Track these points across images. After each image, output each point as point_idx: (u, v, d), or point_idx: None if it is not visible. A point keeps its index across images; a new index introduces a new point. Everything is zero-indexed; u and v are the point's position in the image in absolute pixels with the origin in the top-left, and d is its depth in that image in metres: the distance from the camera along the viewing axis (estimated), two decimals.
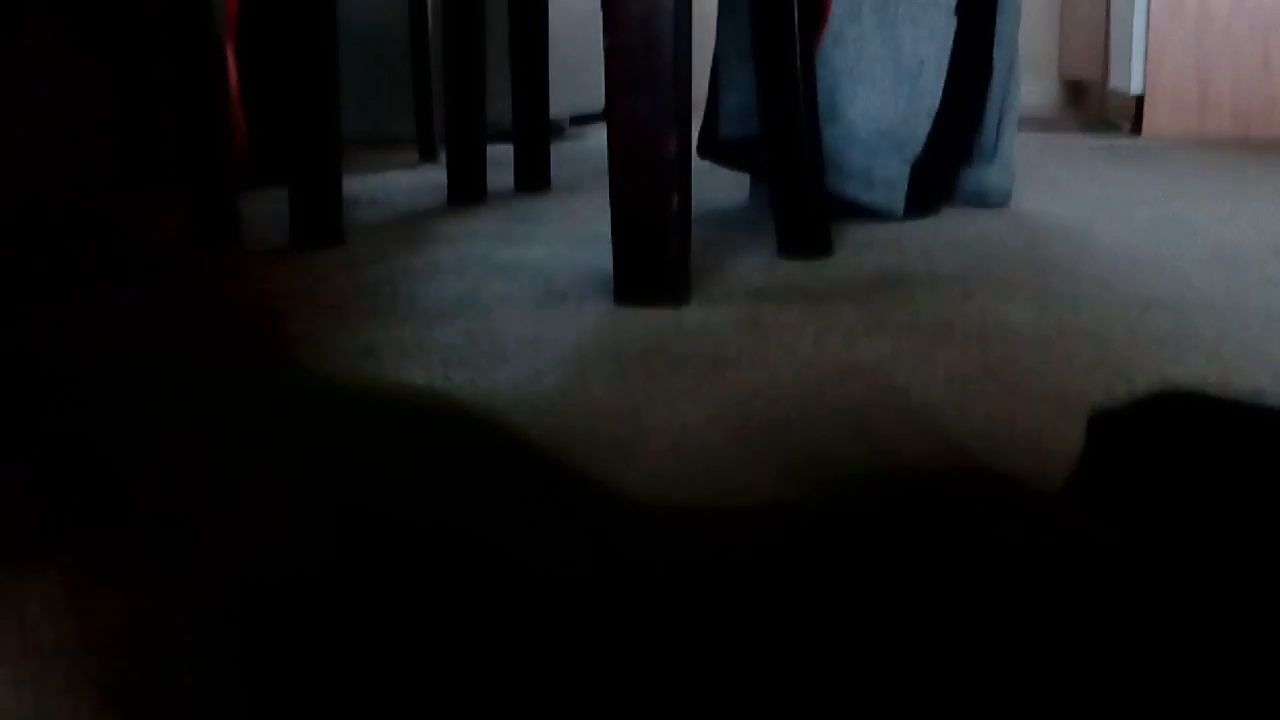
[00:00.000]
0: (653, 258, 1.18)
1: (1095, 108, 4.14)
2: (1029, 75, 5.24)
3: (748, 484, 0.69)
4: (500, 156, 2.67)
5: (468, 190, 2.02)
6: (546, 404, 0.85)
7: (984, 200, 1.84)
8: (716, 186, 2.15)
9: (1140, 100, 3.23)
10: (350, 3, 3.34)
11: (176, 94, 1.60)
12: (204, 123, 1.58)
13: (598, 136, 3.54)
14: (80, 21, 2.10)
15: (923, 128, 1.71)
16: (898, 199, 1.70)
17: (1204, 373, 0.90)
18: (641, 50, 1.14)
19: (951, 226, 1.65)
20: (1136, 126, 3.26)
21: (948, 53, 1.70)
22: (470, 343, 1.04)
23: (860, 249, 1.48)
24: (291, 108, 1.53)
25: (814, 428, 0.78)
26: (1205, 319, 1.08)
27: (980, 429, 0.78)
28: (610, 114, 1.17)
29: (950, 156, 1.80)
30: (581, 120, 4.05)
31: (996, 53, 1.79)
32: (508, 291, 1.26)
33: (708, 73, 2.04)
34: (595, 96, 3.58)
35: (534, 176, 2.20)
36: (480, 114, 2.06)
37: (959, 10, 1.71)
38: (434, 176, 2.41)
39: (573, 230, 1.67)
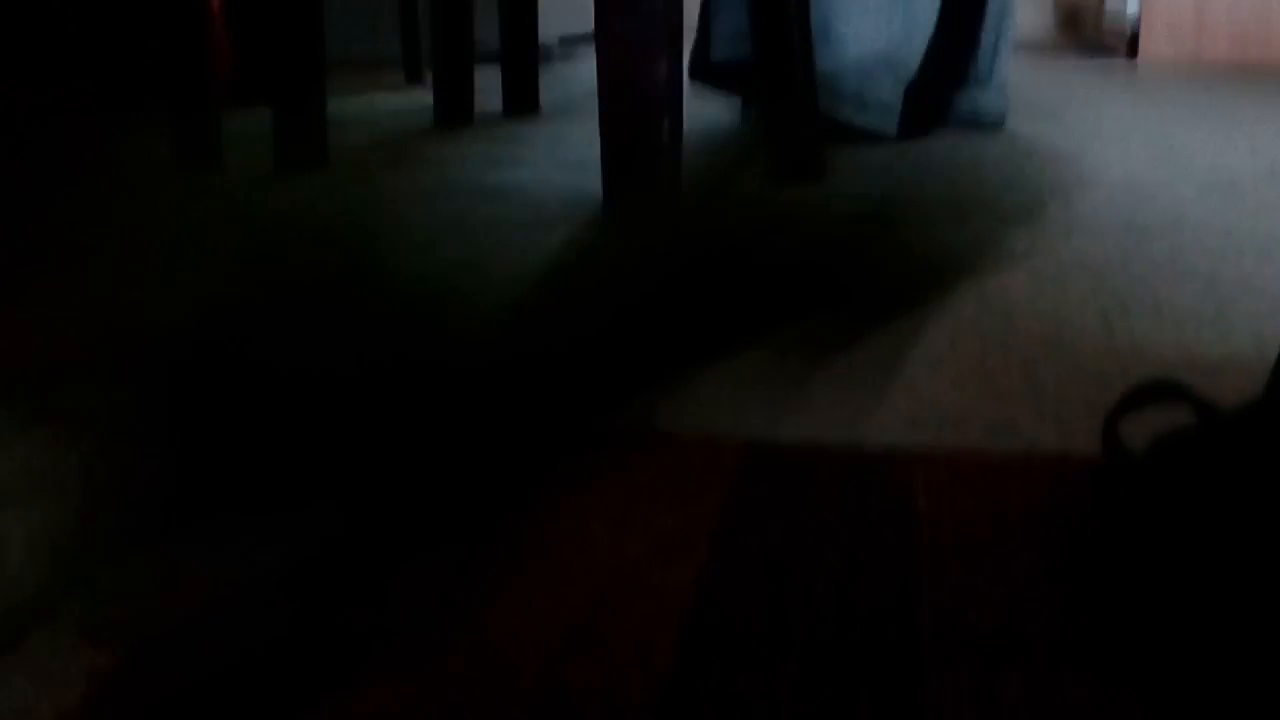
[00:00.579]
0: (643, 183, 1.16)
1: (1091, 32, 4.09)
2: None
3: (737, 415, 0.68)
4: (488, 79, 2.63)
5: (454, 113, 1.99)
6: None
7: (979, 123, 1.82)
8: (708, 109, 2.12)
9: (1136, 24, 3.19)
10: None
11: (158, 11, 1.56)
12: (186, 42, 1.55)
13: (587, 59, 3.48)
14: None
15: (917, 50, 1.68)
16: (891, 121, 1.67)
17: (1200, 301, 0.89)
18: None
19: (946, 149, 1.63)
20: (1133, 51, 3.22)
21: None
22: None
23: (853, 173, 1.46)
24: (274, 28, 1.50)
25: (805, 354, 0.78)
26: (1200, 247, 1.07)
27: (973, 355, 0.77)
28: (599, 36, 1.14)
29: (945, 79, 1.77)
30: (571, 42, 3.99)
31: None
32: (495, 215, 1.24)
33: None
34: (585, 18, 3.53)
35: (522, 99, 2.17)
36: (467, 35, 2.02)
37: None
38: (420, 99, 2.37)
39: (561, 154, 1.65)
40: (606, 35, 1.14)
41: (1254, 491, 0.41)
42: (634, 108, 1.14)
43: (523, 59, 2.15)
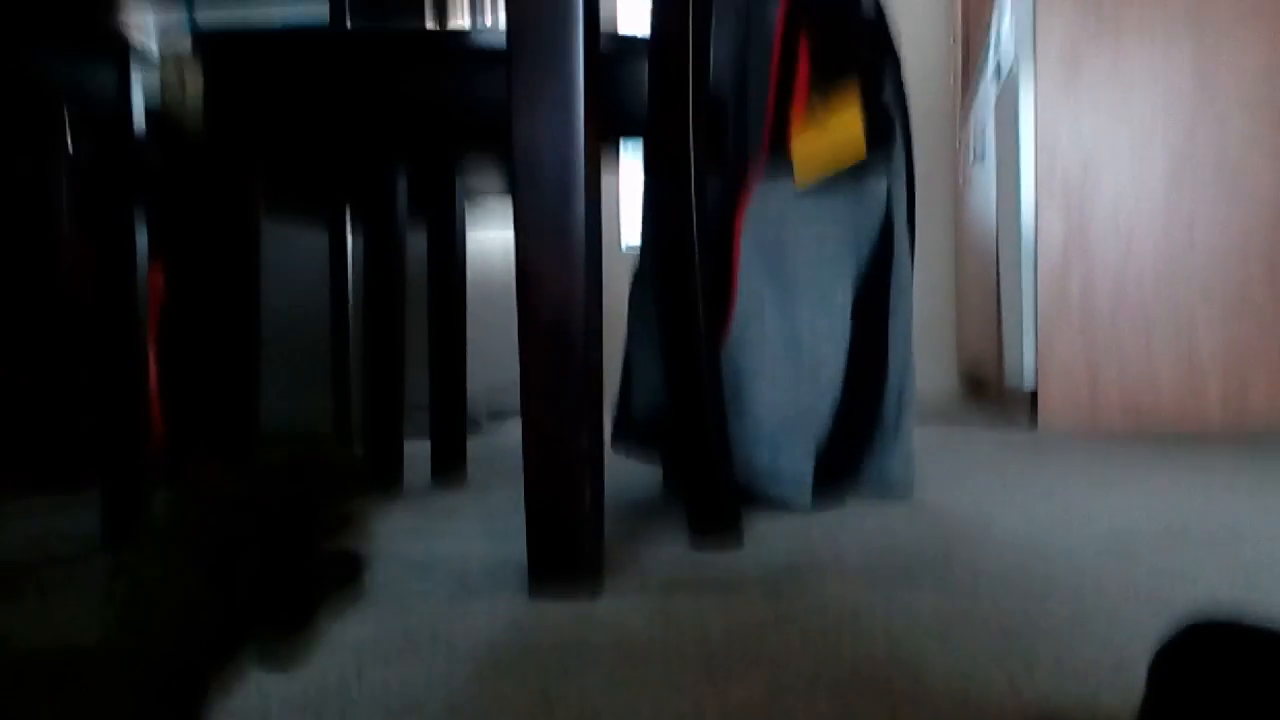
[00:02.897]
0: (566, 551, 1.20)
1: (993, 401, 4.31)
2: (930, 372, 5.47)
3: None
4: (419, 451, 2.70)
5: (383, 482, 2.04)
6: (460, 699, 0.85)
7: (887, 491, 1.90)
8: (631, 479, 2.19)
9: (1034, 395, 3.38)
10: (270, 294, 3.43)
11: (96, 390, 1.62)
12: (123, 424, 1.60)
13: (514, 430, 3.60)
14: None
15: (825, 423, 1.78)
16: (805, 492, 1.75)
17: (1099, 659, 0.93)
18: (554, 354, 1.20)
19: (856, 517, 1.69)
20: (1033, 420, 3.39)
21: (845, 353, 1.80)
22: (383, 637, 1.04)
23: (770, 540, 1.51)
24: (209, 404, 1.56)
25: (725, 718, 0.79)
26: (1100, 608, 1.12)
27: (884, 717, 0.79)
28: (525, 413, 1.21)
29: (852, 450, 1.86)
30: (497, 416, 4.12)
31: (891, 353, 1.89)
32: (422, 588, 1.27)
33: (618, 369, 2.12)
34: (513, 393, 3.66)
35: (450, 471, 2.23)
36: (399, 408, 2.11)
37: (854, 314, 1.82)
38: None
39: (488, 524, 1.69)
40: (530, 411, 1.21)
41: None
42: (556, 481, 1.20)
43: (451, 431, 2.22)
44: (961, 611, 1.11)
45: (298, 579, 0.43)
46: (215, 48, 1.57)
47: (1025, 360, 3.36)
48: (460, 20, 3.55)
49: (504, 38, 1.37)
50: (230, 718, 0.80)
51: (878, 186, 1.85)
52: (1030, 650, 0.96)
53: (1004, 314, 3.65)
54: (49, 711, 0.35)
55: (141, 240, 1.66)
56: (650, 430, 1.84)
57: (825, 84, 1.83)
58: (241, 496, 0.43)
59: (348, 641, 1.03)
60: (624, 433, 1.90)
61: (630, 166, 5.96)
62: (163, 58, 1.59)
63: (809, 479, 1.75)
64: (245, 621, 0.42)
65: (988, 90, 4.13)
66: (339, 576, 0.45)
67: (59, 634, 1.09)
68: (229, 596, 0.41)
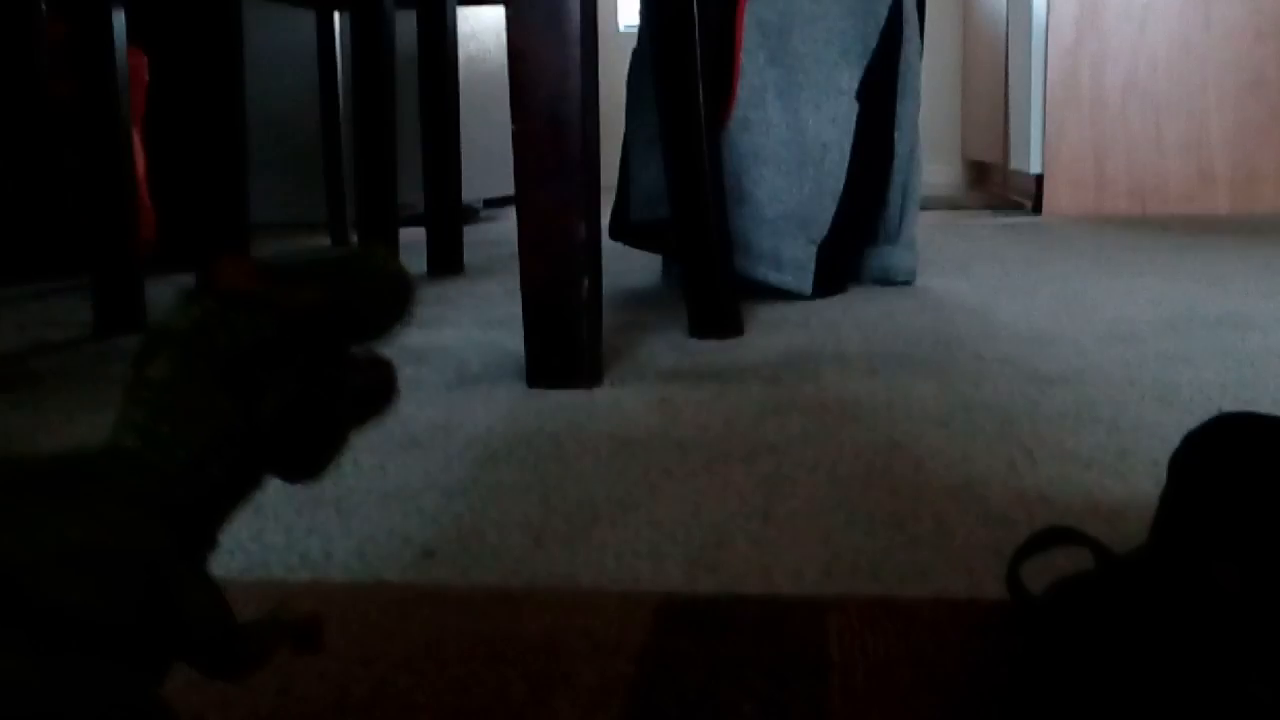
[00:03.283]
0: (564, 341, 1.18)
1: (998, 187, 4.25)
2: (934, 157, 5.38)
3: (655, 570, 0.69)
4: (414, 240, 2.67)
5: None
6: (457, 487, 0.85)
7: (889, 279, 1.88)
8: (630, 268, 2.17)
9: (1040, 180, 3.33)
10: (261, 88, 3.34)
11: (83, 181, 1.58)
12: (110, 209, 1.56)
13: (512, 219, 3.56)
14: None
15: (828, 210, 1.74)
16: (806, 279, 1.72)
17: (1103, 446, 0.92)
18: (549, 137, 1.15)
19: (858, 305, 1.68)
20: (1037, 205, 3.35)
21: (850, 136, 1.75)
22: (380, 428, 1.03)
23: (770, 328, 1.50)
24: (199, 194, 1.52)
25: (723, 509, 0.79)
26: (1103, 394, 1.10)
27: (885, 504, 0.79)
28: (520, 200, 1.18)
29: (856, 237, 1.83)
30: (495, 203, 4.07)
31: (898, 136, 1.84)
32: (419, 376, 1.26)
33: (618, 157, 2.07)
34: (510, 180, 3.60)
35: (446, 260, 2.20)
36: (392, 198, 2.06)
37: (861, 96, 1.76)
38: None
39: (485, 313, 1.68)
40: (526, 200, 1.17)
41: (1140, 632, 0.43)
42: (553, 269, 1.17)
43: (447, 221, 2.19)
44: (963, 399, 1.10)
45: (325, 388, 0.40)
46: None
47: (1032, 143, 3.29)
48: None
49: None
50: None
51: None
52: (1032, 437, 0.95)
53: (1011, 97, 3.57)
54: (54, 519, 0.33)
55: (119, 22, 1.59)
56: (649, 220, 1.80)
57: None
58: (267, 297, 0.39)
59: None
60: (623, 222, 1.86)
61: None
62: None
63: (810, 265, 1.73)
64: (267, 433, 0.39)
65: None
66: (369, 388, 0.42)
67: (56, 433, 1.08)
68: (251, 405, 0.39)
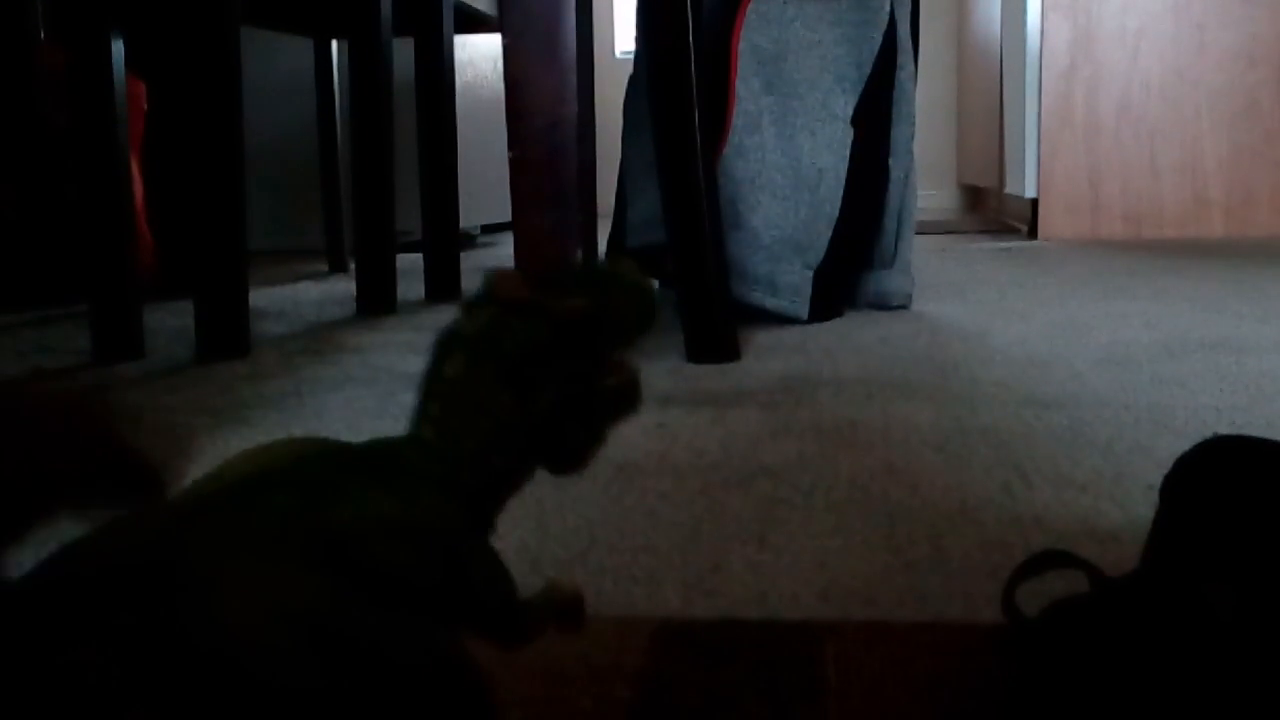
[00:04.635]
0: None
1: (993, 212, 4.26)
2: (929, 182, 5.40)
3: (652, 595, 0.69)
4: (411, 266, 2.68)
5: (377, 301, 2.02)
6: None
7: (885, 303, 1.88)
8: None
9: (1035, 204, 3.34)
10: (259, 116, 3.35)
11: (82, 210, 1.59)
12: (108, 236, 1.57)
13: (509, 244, 3.57)
14: None
15: (824, 235, 1.75)
16: (802, 304, 1.73)
17: (1098, 470, 0.92)
18: (545, 163, 1.16)
19: (854, 329, 1.68)
20: (1032, 230, 3.36)
21: (846, 162, 1.76)
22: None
23: (766, 353, 1.50)
24: (197, 221, 1.53)
25: (720, 533, 0.79)
26: (1098, 418, 1.11)
27: (882, 527, 0.79)
28: (516, 226, 1.18)
29: (851, 262, 1.84)
30: (493, 229, 4.09)
31: (893, 161, 1.85)
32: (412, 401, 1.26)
33: (615, 183, 2.07)
34: (507, 206, 3.61)
35: (444, 286, 2.21)
36: (389, 224, 2.07)
37: (856, 121, 1.77)
38: (343, 287, 2.41)
39: None
40: (523, 226, 1.18)
41: (1134, 655, 0.43)
42: None
43: (444, 246, 2.19)
44: (959, 423, 1.10)
45: (587, 387, 0.45)
46: None
47: (1027, 168, 3.30)
48: None
49: None
50: None
51: None
52: (1028, 461, 0.96)
53: (1006, 121, 3.58)
54: (376, 497, 0.37)
55: (118, 50, 1.60)
56: (646, 245, 1.81)
57: None
58: (541, 306, 0.43)
59: None
60: (620, 247, 1.87)
61: None
62: None
63: (807, 290, 1.73)
64: (540, 427, 0.43)
65: None
66: (622, 389, 0.46)
67: None
68: (527, 402, 0.43)
